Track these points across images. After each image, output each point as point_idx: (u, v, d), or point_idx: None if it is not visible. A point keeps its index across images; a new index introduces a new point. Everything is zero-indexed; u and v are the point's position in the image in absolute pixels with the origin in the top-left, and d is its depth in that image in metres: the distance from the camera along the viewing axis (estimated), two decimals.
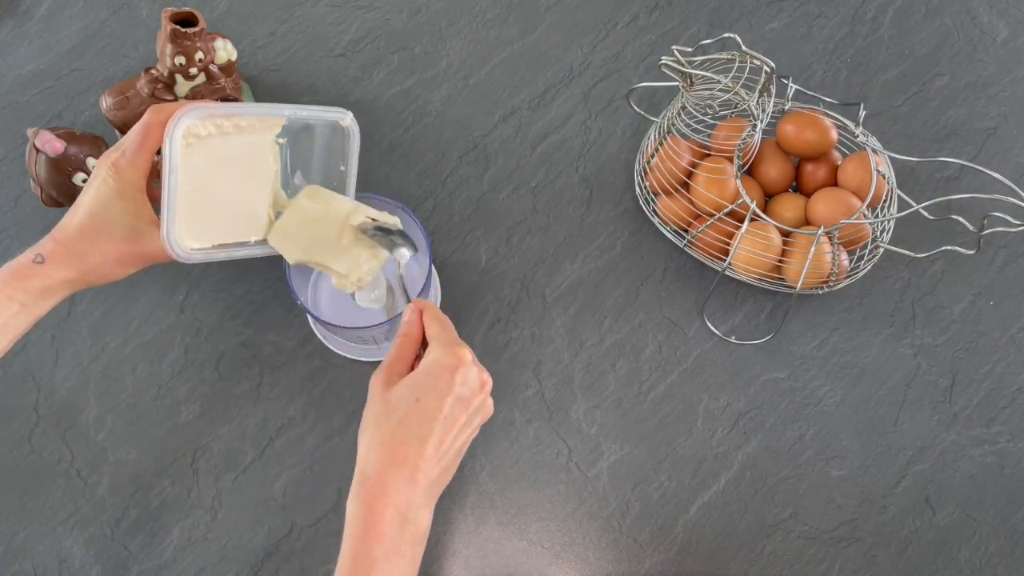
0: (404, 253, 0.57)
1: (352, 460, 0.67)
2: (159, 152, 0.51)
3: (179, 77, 0.69)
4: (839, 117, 0.70)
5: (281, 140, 0.58)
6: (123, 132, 0.70)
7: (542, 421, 0.68)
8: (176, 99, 0.70)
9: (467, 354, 0.50)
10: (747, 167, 0.72)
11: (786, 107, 0.71)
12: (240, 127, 0.54)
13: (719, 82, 0.62)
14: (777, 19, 0.83)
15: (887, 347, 0.71)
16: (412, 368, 0.51)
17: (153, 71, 0.69)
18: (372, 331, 0.61)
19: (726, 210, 0.68)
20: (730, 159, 0.69)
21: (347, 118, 0.59)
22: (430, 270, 0.63)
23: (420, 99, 0.79)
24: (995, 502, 0.67)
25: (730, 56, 0.64)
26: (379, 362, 0.53)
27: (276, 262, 0.73)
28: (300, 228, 0.58)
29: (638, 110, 0.74)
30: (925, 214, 0.64)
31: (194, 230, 0.54)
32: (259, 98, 0.78)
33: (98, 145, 0.67)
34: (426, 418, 0.47)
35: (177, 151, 0.50)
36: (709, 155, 0.71)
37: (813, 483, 0.67)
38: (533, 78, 0.80)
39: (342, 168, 0.61)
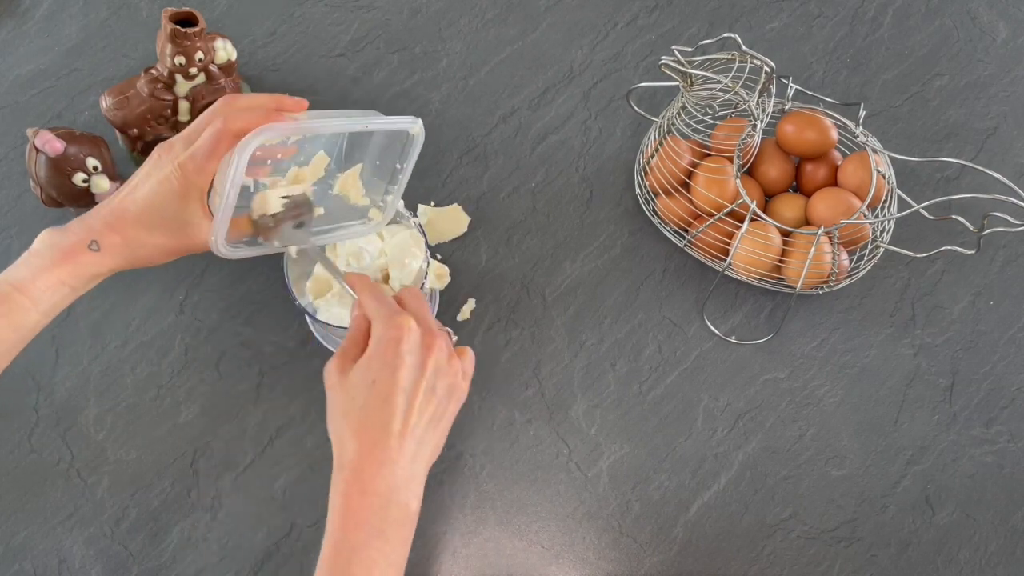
0: (299, 236, 0.55)
1: None
2: None
3: (179, 77, 0.69)
4: (839, 117, 0.70)
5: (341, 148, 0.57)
6: (123, 132, 0.70)
7: (542, 421, 0.68)
8: (176, 99, 0.70)
9: (407, 321, 0.48)
10: (747, 167, 0.72)
11: (786, 107, 0.71)
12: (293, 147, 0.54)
13: (719, 82, 0.62)
14: (777, 19, 0.83)
15: (887, 347, 0.71)
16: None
17: (153, 71, 0.69)
18: None
19: (726, 210, 0.68)
20: (730, 159, 0.69)
21: (416, 126, 0.55)
22: (429, 271, 0.63)
23: (420, 99, 0.79)
24: (995, 502, 0.67)
25: (730, 56, 0.64)
26: None
27: (276, 262, 0.73)
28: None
29: (638, 110, 0.74)
30: (925, 214, 0.64)
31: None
32: None
33: (98, 145, 0.68)
34: (384, 397, 0.47)
35: (243, 168, 0.48)
36: (709, 155, 0.71)
37: (813, 483, 0.67)
38: (533, 78, 0.80)
39: (398, 166, 0.58)
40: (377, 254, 0.63)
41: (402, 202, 0.63)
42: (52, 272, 0.49)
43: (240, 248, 0.55)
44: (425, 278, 0.63)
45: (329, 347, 0.69)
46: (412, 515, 0.47)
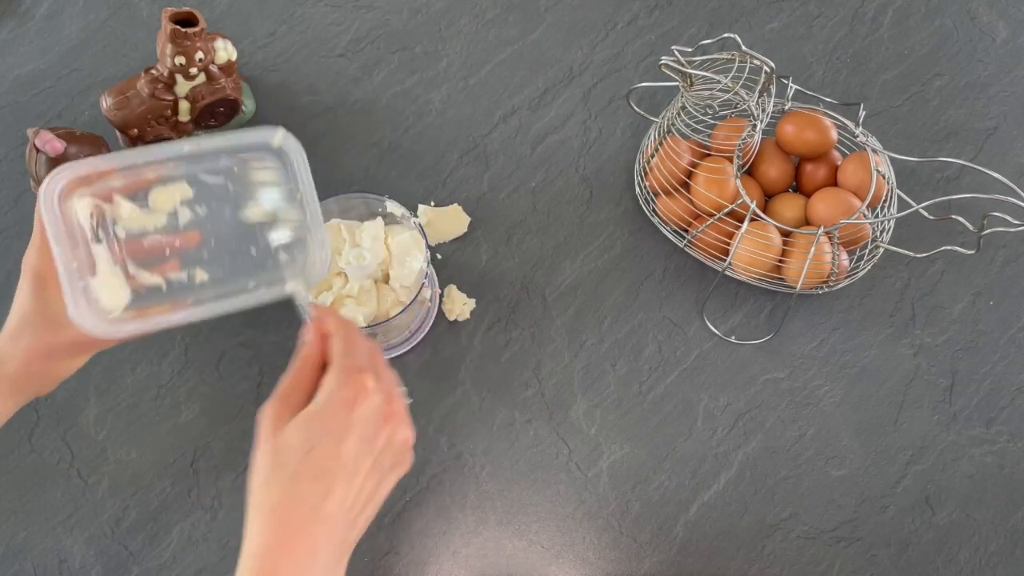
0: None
1: None
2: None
3: (179, 77, 0.69)
4: (839, 117, 0.70)
5: (213, 178, 0.47)
6: (123, 132, 0.70)
7: (542, 421, 0.68)
8: (176, 99, 0.70)
9: (368, 381, 0.41)
10: (747, 167, 0.72)
11: (786, 107, 0.71)
12: (151, 179, 0.46)
13: (719, 82, 0.62)
14: (777, 19, 0.83)
15: (887, 347, 0.71)
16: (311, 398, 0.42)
17: (153, 71, 0.69)
18: (366, 331, 0.61)
19: (726, 210, 0.68)
20: (730, 159, 0.69)
21: (277, 136, 0.47)
22: (429, 270, 0.63)
23: (420, 99, 0.79)
24: (995, 502, 0.67)
25: (730, 56, 0.64)
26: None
27: None
28: None
29: (638, 110, 0.74)
30: (925, 214, 0.64)
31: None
32: (260, 98, 0.78)
33: (98, 145, 0.68)
34: (322, 471, 0.39)
35: (55, 216, 0.42)
36: (709, 155, 0.71)
37: (813, 483, 0.67)
38: (533, 78, 0.80)
39: (299, 192, 0.48)
40: (378, 254, 0.63)
41: (401, 206, 0.63)
42: None
43: (127, 324, 0.44)
44: (425, 279, 0.63)
45: None
46: None
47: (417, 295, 0.61)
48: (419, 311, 0.67)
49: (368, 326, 0.61)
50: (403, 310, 0.61)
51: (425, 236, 0.62)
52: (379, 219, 0.65)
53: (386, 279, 0.65)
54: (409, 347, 0.69)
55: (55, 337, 0.46)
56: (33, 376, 0.47)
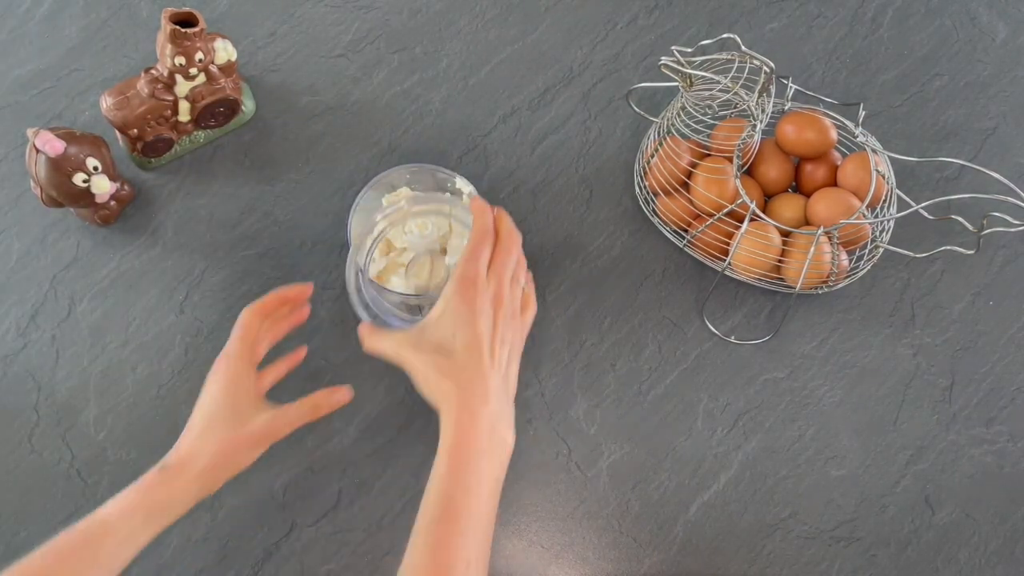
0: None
1: (351, 460, 0.67)
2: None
3: (179, 77, 0.69)
4: (839, 117, 0.70)
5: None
6: (123, 132, 0.70)
7: (542, 421, 0.68)
8: (176, 99, 0.70)
9: (473, 270, 0.53)
10: (747, 167, 0.72)
11: (786, 107, 0.71)
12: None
13: (719, 82, 0.62)
14: (777, 19, 0.83)
15: (887, 347, 0.71)
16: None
17: (153, 71, 0.69)
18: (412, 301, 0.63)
19: (726, 210, 0.68)
20: (730, 159, 0.69)
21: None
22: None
23: (420, 99, 0.79)
24: (994, 502, 0.67)
25: (730, 56, 0.64)
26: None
27: (276, 262, 0.74)
28: None
29: (638, 110, 0.74)
30: (925, 214, 0.64)
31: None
32: (260, 98, 0.78)
33: (98, 145, 0.67)
34: (467, 346, 0.52)
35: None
36: (709, 155, 0.71)
37: (813, 483, 0.67)
38: (533, 78, 0.80)
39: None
40: (441, 227, 0.65)
41: (469, 183, 0.67)
42: (127, 498, 0.51)
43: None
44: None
45: (365, 317, 0.66)
46: (508, 444, 0.52)
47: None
48: None
49: (416, 295, 0.63)
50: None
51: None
52: (447, 194, 0.67)
53: (443, 251, 0.65)
54: None
55: (241, 432, 0.55)
56: (217, 469, 0.54)
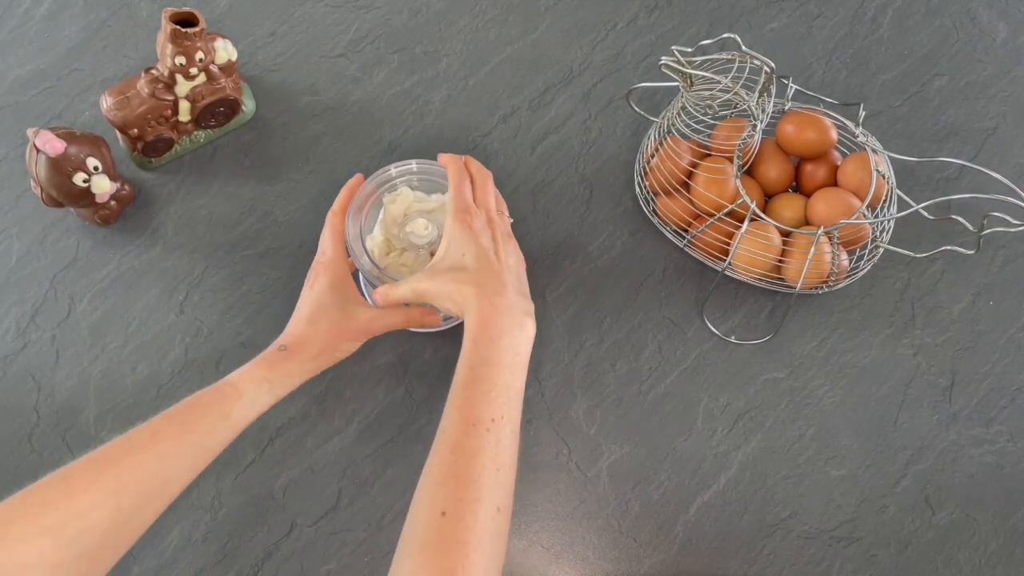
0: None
1: (351, 460, 0.67)
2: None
3: (179, 77, 0.69)
4: (839, 117, 0.70)
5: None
6: (123, 132, 0.70)
7: (542, 421, 0.68)
8: (176, 99, 0.70)
9: (463, 201, 0.59)
10: (747, 167, 0.72)
11: (786, 107, 0.71)
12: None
13: (719, 82, 0.62)
14: (777, 19, 0.83)
15: (887, 347, 0.71)
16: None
17: (153, 71, 0.69)
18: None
19: (726, 210, 0.68)
20: (730, 159, 0.69)
21: None
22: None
23: (420, 99, 0.79)
24: (994, 502, 0.67)
25: (730, 56, 0.64)
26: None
27: (275, 262, 0.73)
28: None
29: (638, 110, 0.74)
30: (925, 214, 0.64)
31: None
32: (260, 98, 0.78)
33: (98, 145, 0.67)
34: (476, 257, 0.57)
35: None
36: (709, 155, 0.71)
37: (813, 483, 0.67)
38: (533, 78, 0.80)
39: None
40: (442, 226, 0.64)
41: None
42: (254, 370, 0.58)
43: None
44: None
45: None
46: (529, 331, 0.56)
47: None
48: None
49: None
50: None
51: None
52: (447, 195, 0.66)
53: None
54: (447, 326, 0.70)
55: (347, 324, 0.61)
56: (326, 353, 0.60)
